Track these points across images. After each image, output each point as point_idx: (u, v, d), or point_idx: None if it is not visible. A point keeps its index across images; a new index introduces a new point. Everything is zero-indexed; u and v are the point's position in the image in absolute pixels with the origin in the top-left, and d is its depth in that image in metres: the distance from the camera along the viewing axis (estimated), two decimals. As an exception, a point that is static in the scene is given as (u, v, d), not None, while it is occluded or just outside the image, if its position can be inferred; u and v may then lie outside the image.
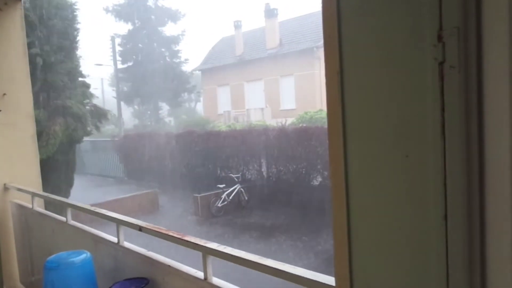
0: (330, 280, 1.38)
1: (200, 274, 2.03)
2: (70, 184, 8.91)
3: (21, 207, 4.11)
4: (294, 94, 23.74)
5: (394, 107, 0.81)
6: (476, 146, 0.73)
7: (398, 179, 0.83)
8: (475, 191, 0.74)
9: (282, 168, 11.06)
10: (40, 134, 7.53)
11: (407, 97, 0.78)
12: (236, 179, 10.97)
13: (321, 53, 21.22)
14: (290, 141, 10.78)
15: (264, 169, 11.51)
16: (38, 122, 7.25)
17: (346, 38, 0.85)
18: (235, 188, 10.80)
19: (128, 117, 32.11)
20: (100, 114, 8.84)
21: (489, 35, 0.71)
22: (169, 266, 2.23)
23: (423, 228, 0.79)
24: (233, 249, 1.87)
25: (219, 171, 12.52)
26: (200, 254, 2.01)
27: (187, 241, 2.08)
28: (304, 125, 13.65)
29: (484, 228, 0.74)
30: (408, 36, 0.76)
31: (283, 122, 12.13)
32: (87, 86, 8.96)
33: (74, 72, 8.51)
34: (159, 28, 29.31)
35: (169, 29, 40.02)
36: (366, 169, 0.87)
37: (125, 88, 29.32)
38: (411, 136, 0.78)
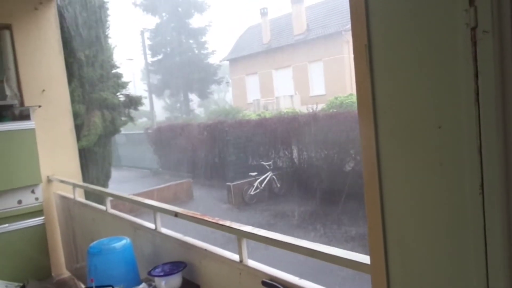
0: (365, 258, 1.38)
1: (235, 257, 2.07)
2: (107, 176, 9.20)
3: (64, 198, 4.30)
4: (323, 80, 23.40)
5: (425, 77, 0.79)
6: (513, 113, 0.71)
7: (431, 151, 0.81)
8: (513, 159, 0.72)
9: (313, 155, 10.98)
10: (81, 127, 7.80)
11: (438, 66, 0.76)
12: (267, 167, 11.01)
13: (349, 36, 20.57)
14: (321, 127, 10.67)
15: (295, 156, 11.47)
16: (78, 115, 7.52)
17: (373, 9, 0.84)
18: (267, 176, 10.84)
19: (160, 111, 32.75)
20: (133, 102, 9.03)
21: (524, -4, 0.68)
22: (205, 250, 2.28)
23: (459, 199, 0.78)
24: (267, 231, 1.90)
25: (250, 160, 12.60)
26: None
27: (222, 225, 2.12)
28: (335, 110, 13.45)
29: (523, 197, 0.72)
30: (437, 2, 0.74)
31: (314, 108, 12.01)
32: (118, 76, 9.16)
33: (106, 64, 8.72)
34: (186, 20, 29.63)
35: (195, 21, 40.38)
36: (397, 141, 0.86)
37: (155, 82, 29.93)
38: (444, 106, 0.77)
